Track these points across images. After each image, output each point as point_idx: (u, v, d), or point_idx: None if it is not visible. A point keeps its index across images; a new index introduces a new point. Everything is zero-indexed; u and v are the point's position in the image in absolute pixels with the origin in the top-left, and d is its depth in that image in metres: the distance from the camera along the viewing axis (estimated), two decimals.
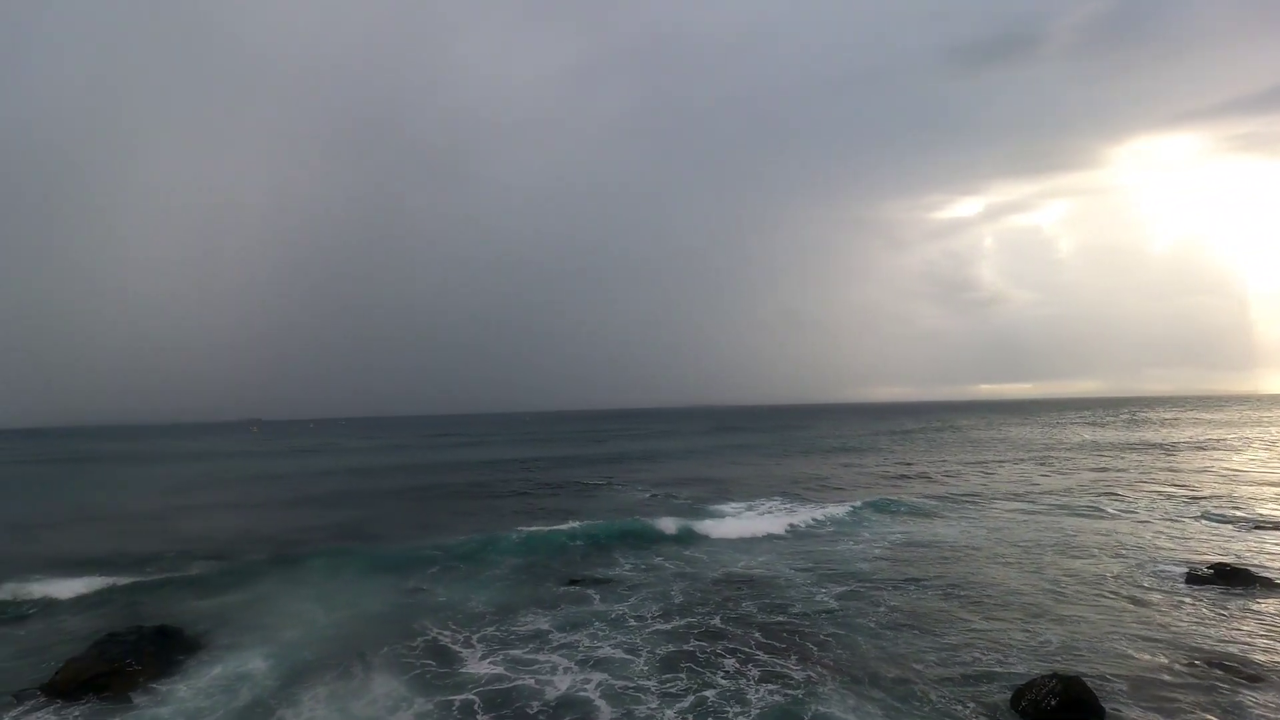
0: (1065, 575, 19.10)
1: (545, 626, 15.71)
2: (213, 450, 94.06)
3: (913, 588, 18.26)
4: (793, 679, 12.56)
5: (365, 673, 13.05)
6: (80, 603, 17.41)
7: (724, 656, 13.76)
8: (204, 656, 13.89)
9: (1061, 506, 30.34)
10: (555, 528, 25.63)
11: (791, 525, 27.00)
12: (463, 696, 12.10)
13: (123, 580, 19.24)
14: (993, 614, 16.00)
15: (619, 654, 13.97)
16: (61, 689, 11.95)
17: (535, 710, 11.60)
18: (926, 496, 34.00)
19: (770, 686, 12.19)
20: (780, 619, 16.04)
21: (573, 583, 19.34)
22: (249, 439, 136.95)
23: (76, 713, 11.53)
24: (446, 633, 15.41)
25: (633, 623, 15.83)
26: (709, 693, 12.07)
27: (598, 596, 18.06)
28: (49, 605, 17.07)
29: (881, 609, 16.51)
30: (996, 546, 22.93)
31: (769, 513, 30.12)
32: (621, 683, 12.57)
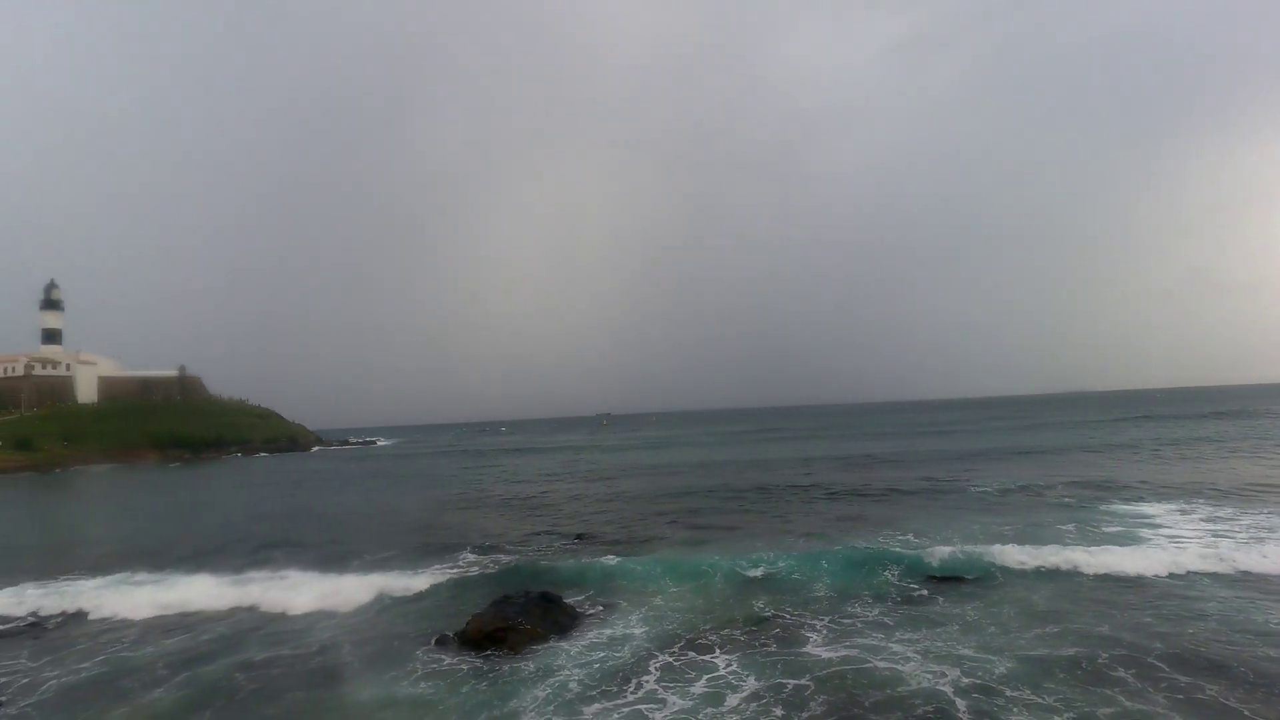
0: None
1: (889, 621, 14.82)
2: (573, 443, 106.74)
3: None
4: (1235, 710, 10.07)
5: (715, 646, 13.76)
6: (480, 570, 20.82)
7: (1115, 668, 11.59)
8: (582, 620, 15.80)
9: None
10: (902, 528, 24.15)
11: (1207, 529, 21.85)
12: (799, 677, 11.97)
13: (509, 554, 22.80)
14: None
15: (974, 654, 12.58)
16: (469, 638, 14.52)
17: (878, 701, 10.94)
18: None
19: None
20: (1191, 632, 13.11)
21: (930, 579, 17.94)
22: (601, 432, 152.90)
23: (480, 658, 13.81)
24: (786, 617, 15.45)
25: (991, 628, 14.02)
26: (1104, 710, 10.21)
27: (941, 597, 16.44)
28: (460, 572, 20.69)
29: None
30: None
31: (1177, 513, 24.75)
32: (979, 682, 11.30)
